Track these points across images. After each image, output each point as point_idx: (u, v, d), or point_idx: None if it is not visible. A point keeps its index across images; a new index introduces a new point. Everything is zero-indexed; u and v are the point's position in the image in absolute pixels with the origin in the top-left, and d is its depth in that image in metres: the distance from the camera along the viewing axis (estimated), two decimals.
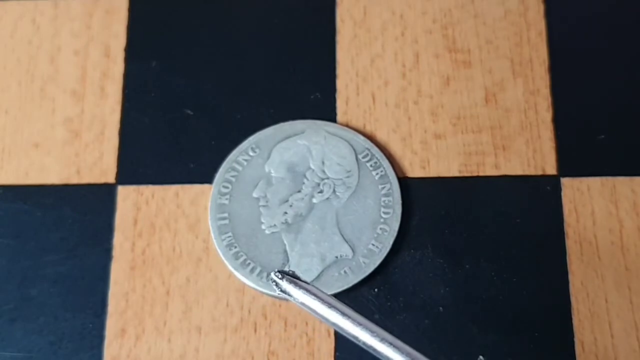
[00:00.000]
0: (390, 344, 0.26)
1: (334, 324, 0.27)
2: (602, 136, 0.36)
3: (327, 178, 0.35)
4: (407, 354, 0.26)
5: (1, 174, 0.36)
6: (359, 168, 0.35)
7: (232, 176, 0.35)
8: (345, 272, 0.34)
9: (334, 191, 0.35)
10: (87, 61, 0.38)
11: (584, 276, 0.34)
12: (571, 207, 0.35)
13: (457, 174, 0.35)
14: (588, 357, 0.33)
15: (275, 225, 0.35)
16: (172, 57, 0.38)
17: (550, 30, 0.38)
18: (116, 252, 0.35)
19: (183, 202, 0.36)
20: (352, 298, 0.34)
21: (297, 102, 0.37)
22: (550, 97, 0.37)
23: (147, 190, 0.36)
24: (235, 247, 0.34)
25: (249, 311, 0.34)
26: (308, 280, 0.34)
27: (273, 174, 0.35)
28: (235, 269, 0.34)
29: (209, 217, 0.35)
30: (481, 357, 0.33)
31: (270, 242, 0.34)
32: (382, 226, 0.34)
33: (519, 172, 0.35)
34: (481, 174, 0.35)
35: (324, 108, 0.37)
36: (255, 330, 0.34)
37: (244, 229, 0.35)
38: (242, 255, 0.34)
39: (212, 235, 0.35)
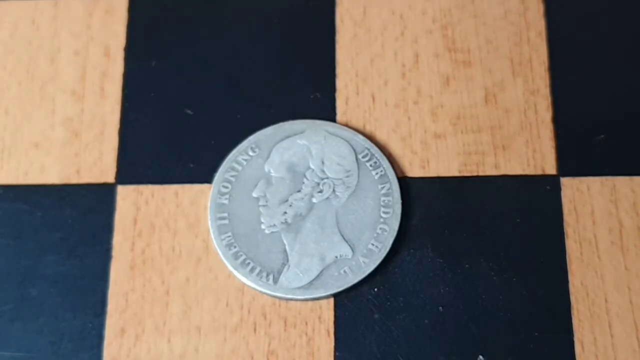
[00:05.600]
0: None
1: None
2: (602, 136, 0.36)
3: (327, 178, 0.35)
4: None
5: (1, 173, 0.36)
6: (358, 168, 0.35)
7: (232, 176, 0.35)
8: (344, 271, 0.34)
9: (334, 191, 0.35)
10: (87, 61, 0.38)
11: (583, 276, 0.34)
12: (571, 207, 0.35)
13: (457, 174, 0.35)
14: (588, 357, 0.33)
15: (274, 225, 0.34)
16: (172, 57, 0.38)
17: (550, 30, 0.38)
18: (116, 251, 0.35)
19: (183, 201, 0.36)
20: (351, 298, 0.34)
21: (297, 102, 0.37)
22: (550, 97, 0.36)
23: (147, 190, 0.36)
24: (235, 246, 0.34)
25: (249, 311, 0.34)
26: (308, 280, 0.34)
27: (273, 174, 0.35)
28: (235, 268, 0.34)
29: (209, 217, 0.35)
30: (481, 357, 0.33)
31: (270, 241, 0.34)
32: (381, 226, 0.34)
33: (519, 172, 0.35)
34: (481, 173, 0.35)
35: (323, 108, 0.37)
36: (255, 330, 0.34)
37: (244, 229, 0.35)
38: (241, 255, 0.34)
39: (212, 235, 0.35)
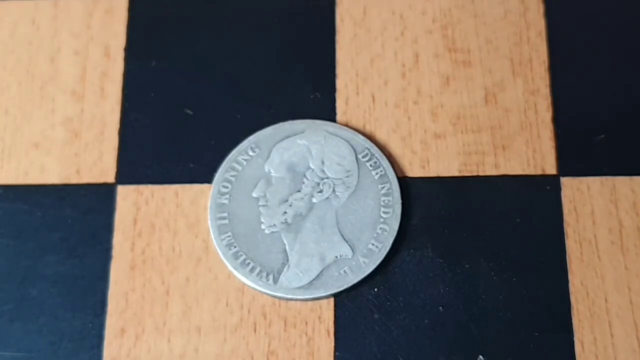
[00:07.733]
0: None
1: None
2: (602, 136, 0.36)
3: (327, 178, 0.35)
4: None
5: (1, 173, 0.36)
6: (358, 168, 0.35)
7: (232, 176, 0.35)
8: (344, 271, 0.34)
9: (334, 191, 0.35)
10: (87, 61, 0.38)
11: (583, 276, 0.34)
12: (571, 207, 0.35)
13: (457, 174, 0.35)
14: (588, 357, 0.33)
15: (274, 225, 0.34)
16: (172, 57, 0.38)
17: (550, 30, 0.38)
18: (116, 251, 0.35)
19: (183, 201, 0.36)
20: (351, 298, 0.34)
21: (297, 102, 0.37)
22: (550, 97, 0.36)
23: (147, 190, 0.36)
24: (235, 246, 0.34)
25: (249, 311, 0.34)
26: (308, 280, 0.34)
27: (273, 174, 0.35)
28: (235, 268, 0.34)
29: (209, 217, 0.35)
30: (481, 357, 0.33)
31: (270, 241, 0.34)
32: (381, 226, 0.34)
33: (519, 172, 0.35)
34: (481, 173, 0.35)
35: (323, 108, 0.37)
36: (255, 330, 0.34)
37: (244, 229, 0.35)
38: (241, 255, 0.34)
39: (212, 235, 0.35)
